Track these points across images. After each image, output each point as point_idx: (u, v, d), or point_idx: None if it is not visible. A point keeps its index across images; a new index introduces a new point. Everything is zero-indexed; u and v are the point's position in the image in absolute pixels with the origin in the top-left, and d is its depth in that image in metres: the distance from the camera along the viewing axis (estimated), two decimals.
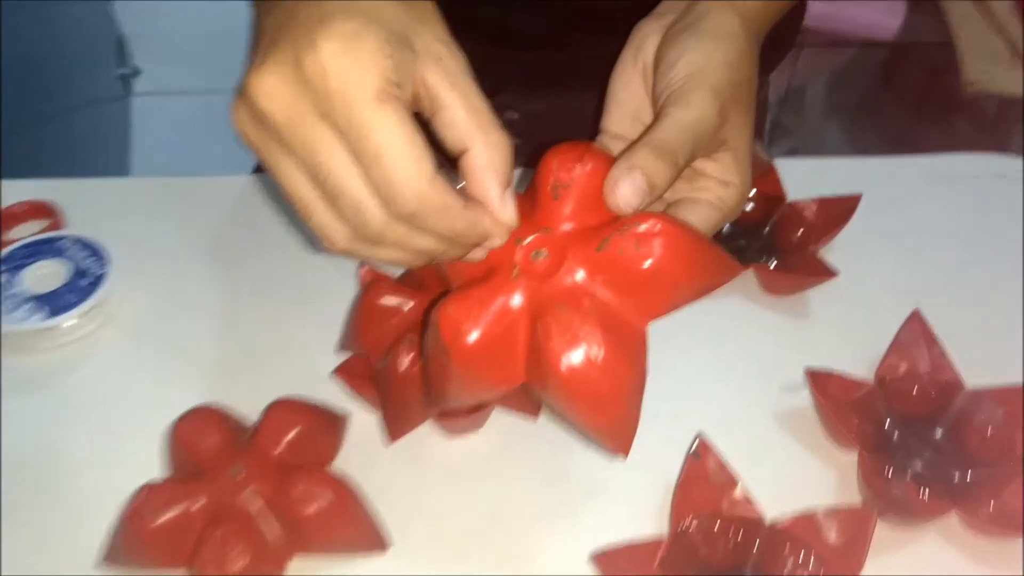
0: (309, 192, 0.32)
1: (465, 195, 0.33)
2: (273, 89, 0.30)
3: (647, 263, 0.33)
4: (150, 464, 0.44)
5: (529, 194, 0.36)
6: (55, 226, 0.55)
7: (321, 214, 0.32)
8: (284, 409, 0.43)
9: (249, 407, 0.45)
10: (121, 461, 0.44)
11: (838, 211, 0.55)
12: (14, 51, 1.33)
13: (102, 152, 1.65)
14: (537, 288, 0.34)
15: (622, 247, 0.33)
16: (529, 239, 0.34)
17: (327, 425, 0.44)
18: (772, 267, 0.54)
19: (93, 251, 0.52)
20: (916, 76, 2.03)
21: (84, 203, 0.57)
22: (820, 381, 0.46)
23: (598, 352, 0.32)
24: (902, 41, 2.02)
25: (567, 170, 0.35)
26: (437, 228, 0.32)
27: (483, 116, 0.32)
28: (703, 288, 0.35)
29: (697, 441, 0.43)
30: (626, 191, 0.34)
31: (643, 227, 0.33)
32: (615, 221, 0.34)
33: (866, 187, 0.55)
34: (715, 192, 0.39)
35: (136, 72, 1.74)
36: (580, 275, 0.34)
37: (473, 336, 0.32)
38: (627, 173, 0.34)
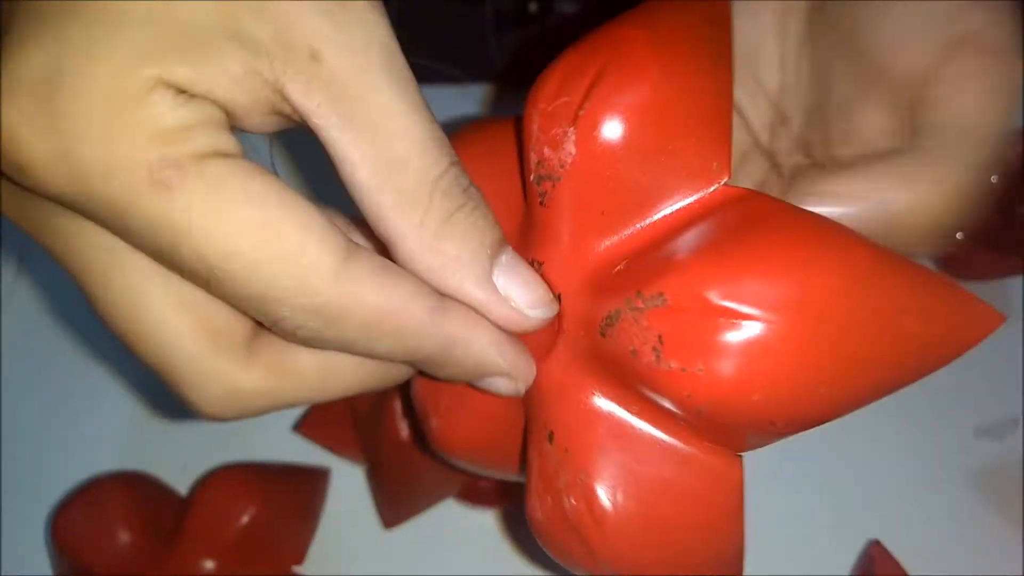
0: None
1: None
2: None
3: (694, 396, 0.16)
4: (29, 561, 0.30)
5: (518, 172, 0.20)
6: None
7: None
8: (227, 485, 0.28)
9: (189, 451, 0.31)
10: None
11: None
12: None
13: None
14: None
15: (636, 344, 0.16)
16: None
17: (294, 501, 0.29)
18: (959, 239, 0.36)
19: None
20: None
21: None
22: None
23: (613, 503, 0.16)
24: None
25: (555, 141, 0.17)
26: (378, 351, 0.17)
27: (412, 178, 0.16)
28: (872, 395, 0.17)
29: (869, 554, 0.27)
30: None
31: (671, 296, 0.16)
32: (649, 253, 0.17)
33: None
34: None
35: None
36: (579, 371, 0.18)
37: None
38: None
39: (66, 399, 0.34)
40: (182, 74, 0.14)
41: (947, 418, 0.33)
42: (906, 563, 0.28)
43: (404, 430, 0.26)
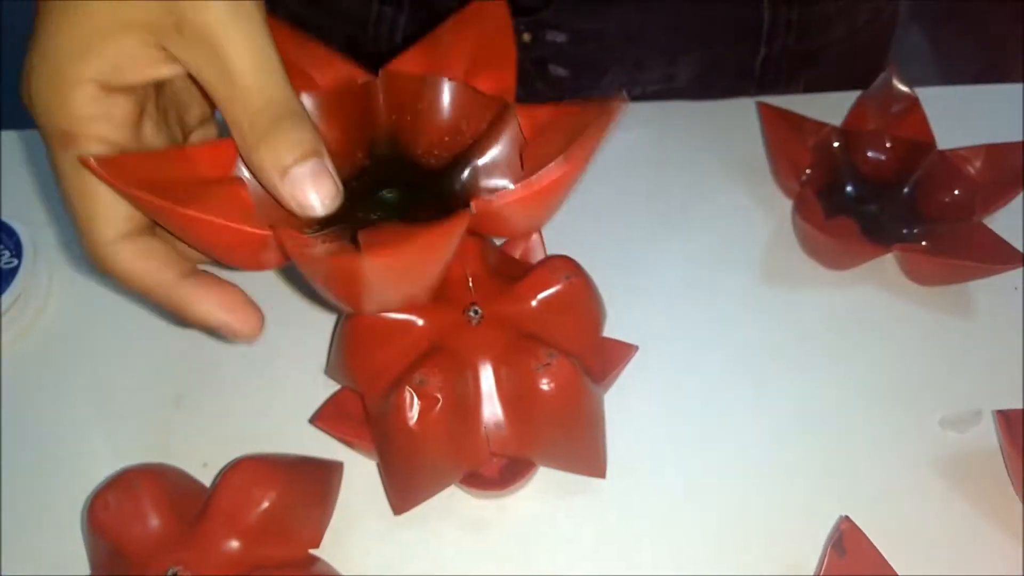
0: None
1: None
2: None
3: None
4: (67, 545, 0.32)
5: None
6: None
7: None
8: (247, 474, 0.30)
9: (208, 450, 0.33)
10: (32, 541, 0.32)
11: (1013, 163, 0.40)
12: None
13: None
14: None
15: None
16: None
17: (310, 491, 0.31)
18: (924, 247, 0.39)
19: (3, 235, 0.39)
20: None
21: None
22: (1013, 424, 0.32)
23: None
24: None
25: None
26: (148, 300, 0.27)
27: (250, 94, 0.24)
28: None
29: (840, 530, 0.29)
30: None
31: None
32: None
33: None
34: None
35: None
36: None
37: None
38: None
39: (93, 405, 0.36)
40: (95, 74, 0.24)
41: (915, 410, 0.35)
42: (875, 539, 0.30)
43: (412, 419, 0.29)
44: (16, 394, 0.36)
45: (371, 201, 0.29)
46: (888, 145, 0.41)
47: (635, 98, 0.47)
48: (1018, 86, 0.46)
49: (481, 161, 0.29)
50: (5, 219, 0.39)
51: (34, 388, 0.37)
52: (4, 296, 0.37)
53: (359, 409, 0.32)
